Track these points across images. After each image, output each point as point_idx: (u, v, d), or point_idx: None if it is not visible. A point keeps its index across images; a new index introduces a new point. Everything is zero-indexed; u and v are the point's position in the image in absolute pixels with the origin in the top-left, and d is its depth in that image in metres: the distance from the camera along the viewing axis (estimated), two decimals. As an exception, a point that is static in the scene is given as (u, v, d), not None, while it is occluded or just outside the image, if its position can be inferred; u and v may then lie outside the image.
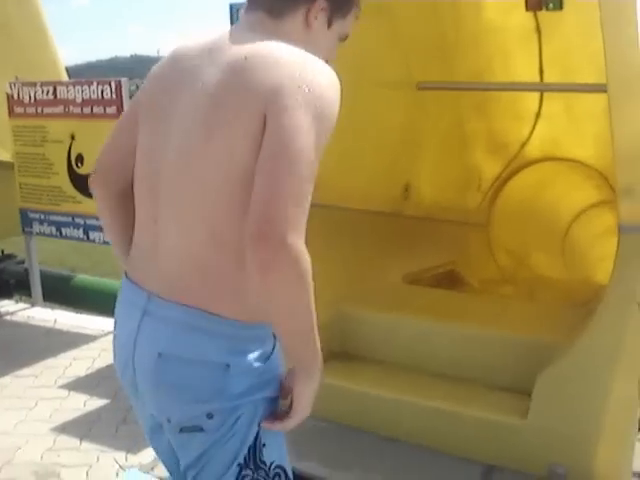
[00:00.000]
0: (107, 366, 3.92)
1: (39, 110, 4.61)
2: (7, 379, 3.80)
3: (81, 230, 4.63)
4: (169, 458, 1.74)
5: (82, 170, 4.53)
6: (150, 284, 1.58)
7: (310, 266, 1.34)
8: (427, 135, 3.64)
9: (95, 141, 4.39)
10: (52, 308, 5.21)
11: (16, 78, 4.89)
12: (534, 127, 3.80)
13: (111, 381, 3.49)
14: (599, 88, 2.27)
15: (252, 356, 1.52)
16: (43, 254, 6.16)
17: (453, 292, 3.55)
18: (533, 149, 3.91)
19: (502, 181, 4.03)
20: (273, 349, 1.56)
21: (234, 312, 1.50)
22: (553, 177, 4.03)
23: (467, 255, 4.00)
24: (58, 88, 4.48)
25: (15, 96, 4.67)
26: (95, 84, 4.32)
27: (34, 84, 4.58)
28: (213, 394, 1.52)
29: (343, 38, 1.69)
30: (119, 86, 4.21)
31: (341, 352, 3.01)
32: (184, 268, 1.52)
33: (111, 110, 4.27)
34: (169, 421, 1.58)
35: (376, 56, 3.26)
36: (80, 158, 4.53)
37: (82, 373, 3.89)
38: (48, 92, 4.53)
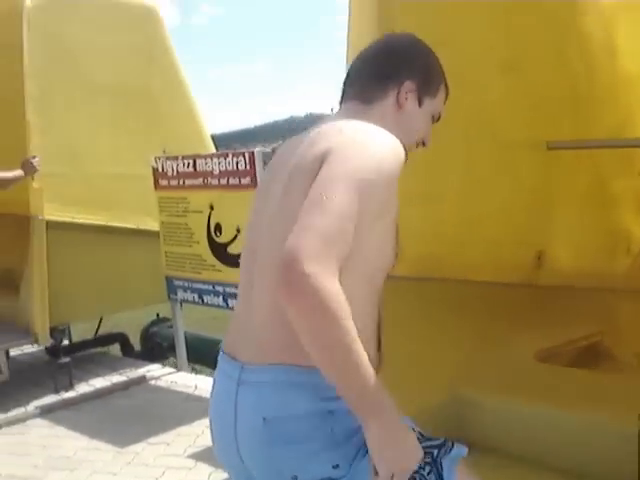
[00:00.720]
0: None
1: (181, 182, 4.80)
2: (141, 446, 3.90)
3: (221, 298, 4.72)
4: None
5: (220, 239, 4.63)
6: (243, 354, 1.60)
7: (338, 300, 1.32)
8: (562, 196, 3.38)
9: (232, 211, 4.56)
10: (197, 372, 5.34)
11: (164, 151, 5.15)
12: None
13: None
14: None
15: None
16: (201, 317, 6.39)
17: (595, 372, 3.18)
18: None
19: (655, 242, 3.65)
20: None
21: None
22: None
23: (617, 325, 3.61)
24: (198, 161, 4.65)
25: (160, 169, 4.90)
26: (230, 156, 4.44)
27: (176, 158, 4.78)
28: (328, 442, 1.52)
29: (437, 118, 1.75)
30: (252, 157, 4.29)
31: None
32: (274, 328, 1.53)
33: (245, 181, 4.36)
34: (296, 478, 1.56)
35: (499, 114, 3.10)
36: (218, 227, 4.65)
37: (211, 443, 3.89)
38: (189, 165, 4.70)
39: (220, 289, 4.69)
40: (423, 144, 1.74)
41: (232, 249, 4.54)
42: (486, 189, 2.96)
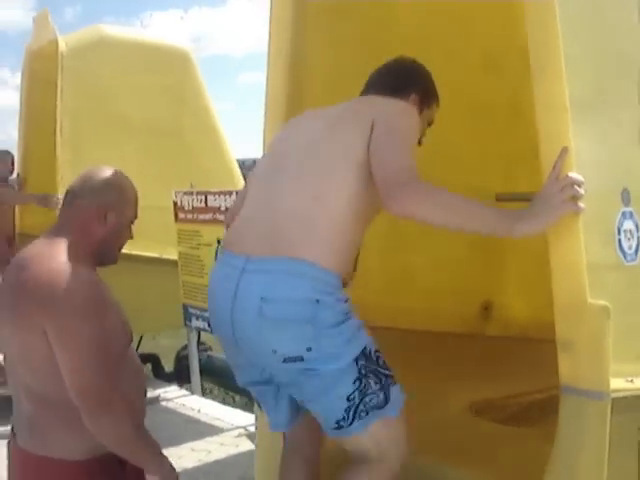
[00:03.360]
0: (215, 461, 4.12)
1: (195, 216, 5.07)
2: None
3: (225, 328, 4.94)
4: (265, 390, 2.16)
5: (225, 272, 4.86)
6: (248, 248, 2.02)
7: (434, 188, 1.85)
8: (512, 245, 3.38)
9: (235, 246, 4.78)
10: (211, 397, 5.56)
11: (191, 185, 5.46)
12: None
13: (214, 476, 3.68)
14: None
15: (334, 296, 1.94)
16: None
17: (532, 430, 3.05)
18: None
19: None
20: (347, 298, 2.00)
21: (325, 261, 1.93)
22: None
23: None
24: (209, 197, 4.91)
25: (179, 203, 5.20)
26: (234, 194, 4.66)
27: (192, 193, 5.06)
28: (309, 327, 1.89)
29: (430, 123, 2.38)
30: (251, 196, 4.51)
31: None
32: (290, 227, 1.98)
33: (246, 218, 4.57)
34: (274, 352, 1.94)
35: (448, 161, 3.18)
36: (224, 261, 4.88)
37: (189, 465, 4.11)
38: (201, 200, 4.97)
39: (225, 319, 4.91)
40: (419, 143, 2.23)
41: (235, 282, 4.76)
42: (427, 237, 3.02)
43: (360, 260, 3.25)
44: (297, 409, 2.18)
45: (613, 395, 1.80)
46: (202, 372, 6.16)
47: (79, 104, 5.19)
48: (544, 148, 1.85)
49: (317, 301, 1.90)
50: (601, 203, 1.92)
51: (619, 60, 2.15)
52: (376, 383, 2.00)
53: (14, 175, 6.04)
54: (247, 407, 5.29)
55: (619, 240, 1.95)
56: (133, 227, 2.21)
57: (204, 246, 5.08)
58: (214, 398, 6.24)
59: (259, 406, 2.33)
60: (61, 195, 4.66)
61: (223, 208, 4.79)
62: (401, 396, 2.07)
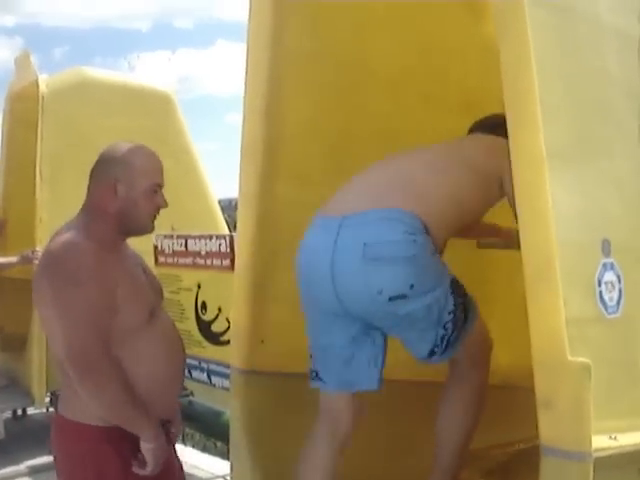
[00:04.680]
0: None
1: (175, 260, 5.00)
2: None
3: (205, 374, 4.84)
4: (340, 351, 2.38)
5: (206, 317, 4.78)
6: (344, 210, 2.24)
7: None
8: (496, 291, 3.33)
9: (215, 290, 4.71)
10: (192, 442, 5.41)
11: (172, 228, 5.39)
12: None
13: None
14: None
15: (426, 237, 2.18)
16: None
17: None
18: None
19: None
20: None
21: (420, 212, 2.18)
22: None
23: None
24: (189, 241, 4.85)
25: (159, 247, 5.12)
26: (214, 238, 4.61)
27: (172, 236, 5.00)
28: (411, 264, 2.11)
29: None
30: (232, 240, 4.44)
31: None
32: (391, 188, 2.26)
33: (226, 263, 4.50)
34: (380, 293, 2.14)
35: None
36: (204, 305, 4.80)
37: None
38: (181, 244, 4.91)
39: (205, 366, 4.82)
40: None
41: (215, 327, 4.68)
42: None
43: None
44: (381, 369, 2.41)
45: (595, 455, 1.72)
46: (183, 417, 6.03)
47: (59, 146, 5.14)
48: (521, 199, 1.80)
49: (414, 241, 2.14)
50: (581, 255, 1.87)
51: (598, 108, 2.12)
52: (463, 310, 2.29)
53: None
54: (228, 455, 5.16)
55: (600, 292, 1.89)
56: (162, 194, 2.27)
57: (184, 290, 4.98)
58: (195, 444, 6.09)
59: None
60: (40, 248, 4.69)
61: (203, 252, 4.72)
62: (474, 303, 2.39)
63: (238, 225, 3.24)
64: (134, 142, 2.31)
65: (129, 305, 2.13)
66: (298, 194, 2.92)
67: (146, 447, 2.09)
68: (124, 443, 2.10)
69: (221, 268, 4.55)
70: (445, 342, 2.28)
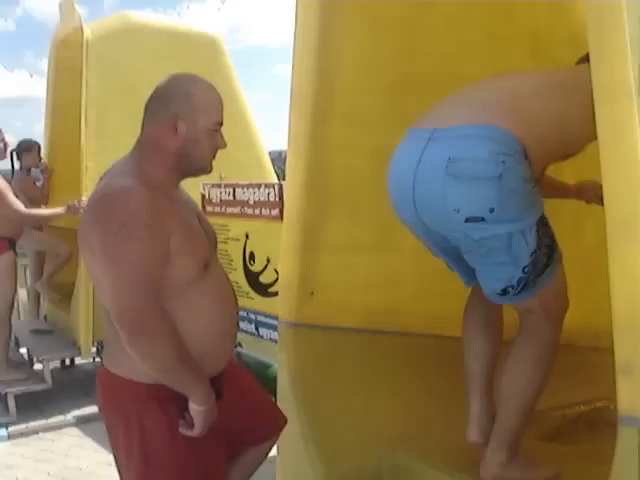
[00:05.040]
0: None
1: (223, 209, 4.90)
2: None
3: (253, 325, 4.77)
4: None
5: (254, 267, 4.69)
6: (436, 123, 2.09)
7: None
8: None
9: (263, 241, 4.61)
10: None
11: (220, 176, 5.27)
12: None
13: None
14: None
15: (520, 160, 2.00)
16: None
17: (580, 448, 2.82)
18: None
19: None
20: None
21: (517, 130, 1.99)
22: None
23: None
24: (237, 190, 4.73)
25: (207, 196, 5.03)
26: (263, 187, 4.48)
27: (220, 185, 4.89)
28: (494, 185, 1.95)
29: None
30: (281, 189, 4.31)
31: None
32: (496, 100, 2.09)
33: (275, 212, 4.38)
34: (457, 211, 2.00)
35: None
36: (252, 256, 4.71)
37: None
38: (229, 193, 4.80)
39: (253, 317, 4.75)
40: None
41: (263, 278, 4.59)
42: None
43: (392, 264, 3.07)
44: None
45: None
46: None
47: (105, 92, 5.04)
48: (604, 142, 1.62)
49: (503, 162, 1.95)
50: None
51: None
52: (546, 254, 2.08)
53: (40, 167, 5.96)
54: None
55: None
56: (221, 133, 2.16)
57: (232, 240, 4.90)
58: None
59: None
60: (86, 197, 4.62)
61: (252, 202, 4.61)
62: (559, 251, 2.16)
63: (287, 172, 3.10)
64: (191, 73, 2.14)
65: (183, 256, 1.95)
66: (352, 137, 2.76)
67: (195, 409, 1.96)
68: (171, 401, 1.97)
69: (270, 218, 4.44)
70: (522, 285, 2.10)
